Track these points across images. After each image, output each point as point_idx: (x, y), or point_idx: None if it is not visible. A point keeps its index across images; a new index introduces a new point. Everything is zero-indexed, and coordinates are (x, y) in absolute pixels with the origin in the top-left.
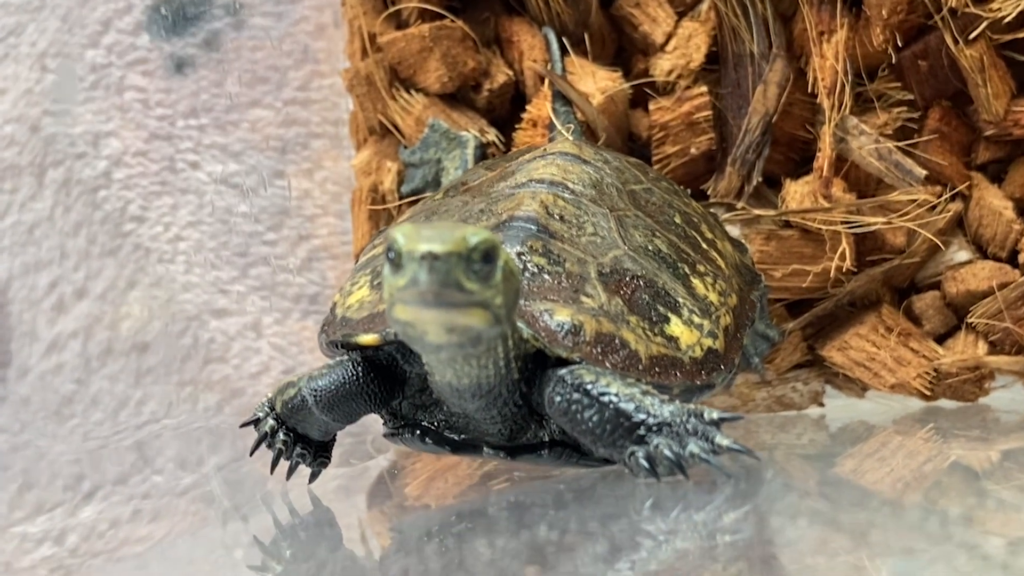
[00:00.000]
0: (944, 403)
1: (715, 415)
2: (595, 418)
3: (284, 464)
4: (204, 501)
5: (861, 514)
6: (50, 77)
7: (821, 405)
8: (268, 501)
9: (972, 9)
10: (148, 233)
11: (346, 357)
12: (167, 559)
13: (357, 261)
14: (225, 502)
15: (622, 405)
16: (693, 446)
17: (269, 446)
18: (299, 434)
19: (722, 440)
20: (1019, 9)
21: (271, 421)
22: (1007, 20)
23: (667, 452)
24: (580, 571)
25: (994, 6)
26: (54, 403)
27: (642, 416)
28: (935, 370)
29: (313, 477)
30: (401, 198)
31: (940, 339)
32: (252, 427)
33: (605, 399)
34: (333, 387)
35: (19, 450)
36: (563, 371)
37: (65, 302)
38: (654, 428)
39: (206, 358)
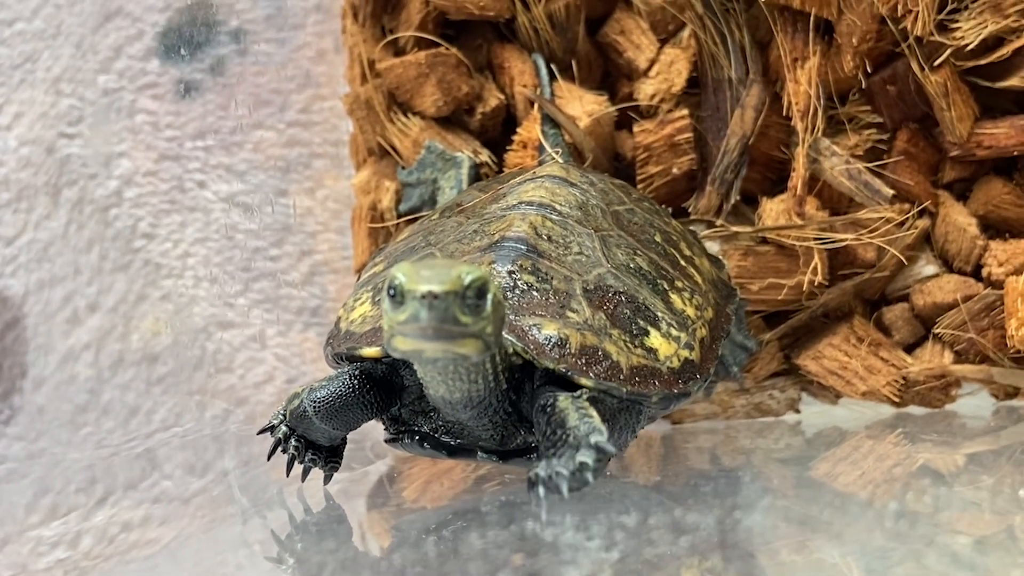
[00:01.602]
0: (913, 409)
1: (595, 440)
2: (539, 429)
3: (299, 467)
4: (211, 505)
5: (835, 515)
6: (64, 101)
7: (797, 412)
8: (273, 504)
9: (937, 37)
10: (157, 249)
11: (345, 370)
12: (176, 561)
13: (358, 276)
14: (243, 501)
15: (554, 418)
16: (560, 465)
17: (284, 451)
18: (309, 439)
19: (581, 456)
20: (981, 38)
21: (284, 428)
22: (970, 48)
23: (540, 472)
24: (561, 556)
25: (957, 35)
26: (68, 412)
27: (559, 425)
28: (904, 378)
29: (327, 479)
30: (399, 216)
31: (909, 349)
32: (268, 434)
33: (548, 410)
34: (332, 398)
35: (35, 457)
36: (543, 393)
37: (78, 315)
38: (560, 440)
39: (213, 369)
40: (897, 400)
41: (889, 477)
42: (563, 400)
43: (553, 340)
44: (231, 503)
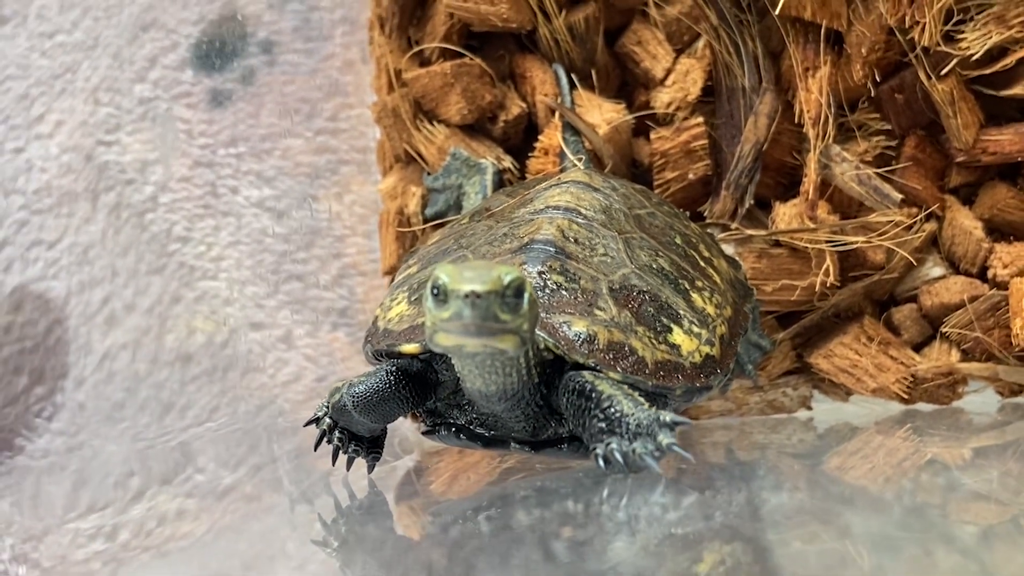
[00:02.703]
0: (921, 406)
1: (669, 417)
2: (587, 413)
3: (343, 457)
4: (244, 499)
5: (846, 507)
6: (103, 110)
7: (809, 408)
8: (303, 500)
9: (943, 48)
10: (192, 252)
11: (382, 366)
12: (211, 554)
13: (390, 279)
14: (290, 488)
15: (603, 403)
16: (639, 446)
17: (328, 442)
18: (352, 431)
19: (664, 439)
20: (986, 48)
21: (328, 420)
22: (975, 58)
23: (616, 449)
24: (606, 530)
25: (963, 45)
26: (106, 409)
27: (616, 413)
28: (912, 376)
29: (370, 469)
30: (425, 220)
31: (917, 347)
32: (314, 426)
33: (594, 396)
34: (370, 393)
35: (74, 451)
36: (569, 374)
37: (116, 317)
38: (619, 424)
39: (245, 368)
40: (906, 397)
41: (898, 471)
42: (602, 384)
43: (582, 336)
44: (263, 496)
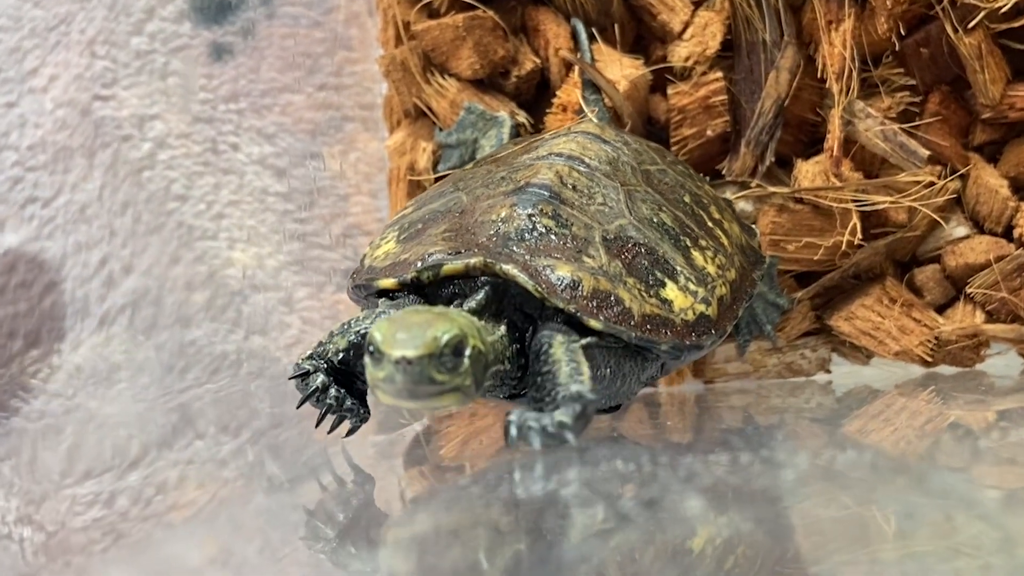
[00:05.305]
0: (942, 369)
1: (574, 388)
2: (536, 375)
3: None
4: (247, 466)
5: (866, 471)
6: (99, 63)
7: (828, 372)
8: (309, 466)
9: (970, 0)
10: (191, 211)
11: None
12: (215, 525)
13: None
14: (273, 468)
15: (549, 368)
16: (532, 421)
17: (319, 402)
18: (348, 386)
19: (562, 417)
20: (1014, 0)
21: (321, 377)
22: (1003, 10)
23: (513, 419)
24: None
25: None
26: (104, 371)
27: (548, 378)
28: (936, 338)
29: (351, 432)
30: (436, 177)
31: (940, 309)
32: (300, 380)
33: (544, 356)
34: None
35: (71, 412)
36: (539, 333)
37: (114, 278)
38: (545, 392)
39: (248, 330)
40: (929, 360)
41: (920, 433)
42: (557, 348)
43: (566, 281)
44: (266, 464)
